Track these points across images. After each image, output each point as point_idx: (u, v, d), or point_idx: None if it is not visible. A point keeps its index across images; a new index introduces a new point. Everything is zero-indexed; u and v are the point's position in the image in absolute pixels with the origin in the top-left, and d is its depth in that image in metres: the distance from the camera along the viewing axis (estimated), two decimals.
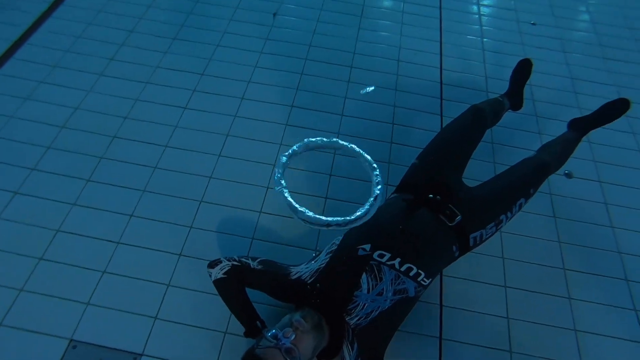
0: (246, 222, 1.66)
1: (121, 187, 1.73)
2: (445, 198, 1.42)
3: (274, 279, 1.31)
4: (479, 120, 1.65)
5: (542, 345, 1.50)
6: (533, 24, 2.74)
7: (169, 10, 2.47)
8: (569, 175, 1.98)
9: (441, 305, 1.55)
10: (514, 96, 1.98)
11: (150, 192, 1.72)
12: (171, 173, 1.79)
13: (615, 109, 1.83)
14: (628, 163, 2.07)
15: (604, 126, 1.87)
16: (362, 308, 1.22)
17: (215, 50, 2.28)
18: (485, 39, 2.57)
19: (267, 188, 1.77)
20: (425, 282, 1.31)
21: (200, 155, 1.86)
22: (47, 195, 1.68)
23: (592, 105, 2.24)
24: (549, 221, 1.82)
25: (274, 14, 2.49)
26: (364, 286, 1.24)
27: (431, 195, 1.42)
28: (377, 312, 1.23)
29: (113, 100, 2.01)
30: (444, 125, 2.06)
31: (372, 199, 1.61)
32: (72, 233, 1.59)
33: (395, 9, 2.66)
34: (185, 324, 1.43)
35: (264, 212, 1.70)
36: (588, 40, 2.67)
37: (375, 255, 1.28)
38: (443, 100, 2.19)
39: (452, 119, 1.67)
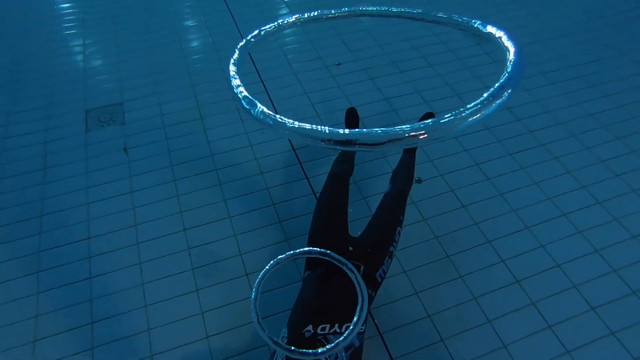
0: (200, 354, 1.83)
1: None
2: (346, 258, 1.76)
3: None
4: (340, 182, 2.04)
5: (460, 323, 1.93)
6: (338, 64, 3.26)
7: None
8: (419, 181, 2.48)
9: (380, 334, 1.90)
10: None
11: None
12: (113, 343, 1.88)
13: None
14: (452, 151, 2.64)
15: None
16: None
17: (89, 208, 2.37)
18: (309, 94, 3.00)
19: (202, 314, 1.95)
20: (362, 329, 1.64)
21: (128, 315, 1.97)
22: None
23: (410, 115, 2.81)
24: (423, 225, 2.28)
25: (125, 149, 2.63)
26: (322, 359, 1.52)
27: None
28: None
29: None
30: (312, 187, 2.43)
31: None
32: None
33: (226, 99, 2.96)
34: None
35: (210, 336, 1.88)
36: (383, 62, 3.27)
37: (318, 330, 1.56)
38: (302, 164, 2.56)
39: (320, 192, 2.03)
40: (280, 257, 1.48)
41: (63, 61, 3.34)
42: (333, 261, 1.48)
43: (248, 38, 1.50)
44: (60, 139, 2.74)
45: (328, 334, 1.55)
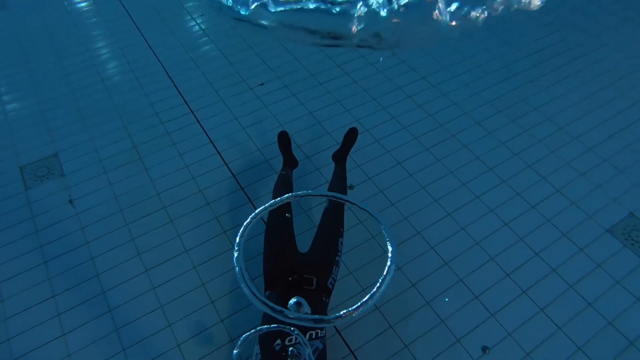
0: None
1: None
2: (299, 274, 2.02)
3: None
4: (283, 207, 2.27)
5: (404, 308, 2.26)
6: (261, 84, 3.46)
7: None
8: (350, 187, 2.77)
9: (352, 353, 2.15)
10: (290, 161, 2.65)
11: None
12: None
13: (351, 136, 2.63)
14: (375, 154, 2.95)
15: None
16: None
17: (47, 266, 2.45)
18: (239, 119, 3.19)
19: (178, 346, 2.14)
20: (321, 333, 1.91)
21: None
22: None
23: (333, 125, 3.09)
24: (360, 227, 2.58)
25: (70, 201, 2.70)
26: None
27: (290, 279, 2.01)
28: None
29: None
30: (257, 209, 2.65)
31: None
32: None
33: (161, 135, 3.08)
34: None
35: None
36: (302, 76, 3.50)
37: (286, 342, 1.81)
38: (244, 189, 2.77)
39: (267, 216, 2.26)
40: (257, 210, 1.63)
41: None
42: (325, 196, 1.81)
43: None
44: None
45: (295, 343, 1.80)
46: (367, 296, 1.32)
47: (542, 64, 3.58)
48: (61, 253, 2.48)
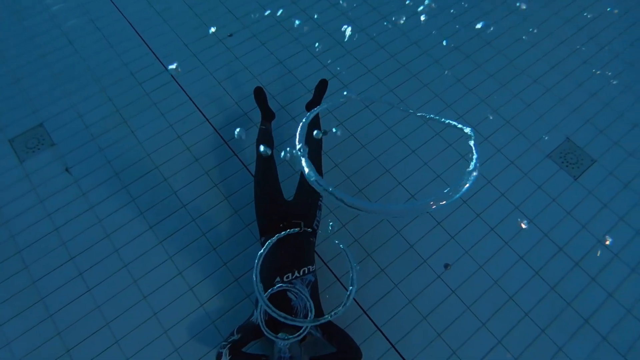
0: (201, 320, 2.43)
1: None
2: (288, 220, 2.36)
3: (250, 333, 2.18)
4: (267, 159, 2.56)
5: (391, 253, 2.67)
6: (230, 35, 3.56)
7: None
8: (325, 133, 3.04)
9: (338, 280, 2.56)
10: (267, 115, 2.89)
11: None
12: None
13: (322, 87, 2.88)
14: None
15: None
16: (299, 307, 2.17)
17: (60, 233, 2.71)
18: (213, 73, 3.34)
19: (191, 289, 2.51)
20: (312, 268, 2.29)
21: (133, 309, 2.48)
22: None
23: (304, 72, 3.29)
24: (337, 169, 2.90)
25: (67, 170, 2.90)
26: (292, 298, 2.18)
27: (281, 225, 2.35)
28: (308, 301, 2.19)
29: None
30: (242, 160, 2.93)
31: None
32: None
33: (140, 96, 3.22)
34: None
35: (204, 305, 2.47)
36: (269, 24, 3.60)
37: (285, 278, 2.20)
38: (228, 142, 3.01)
39: (254, 171, 2.55)
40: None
41: None
42: None
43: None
44: None
45: (292, 279, 2.19)
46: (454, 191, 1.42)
47: None
48: (69, 219, 2.74)
